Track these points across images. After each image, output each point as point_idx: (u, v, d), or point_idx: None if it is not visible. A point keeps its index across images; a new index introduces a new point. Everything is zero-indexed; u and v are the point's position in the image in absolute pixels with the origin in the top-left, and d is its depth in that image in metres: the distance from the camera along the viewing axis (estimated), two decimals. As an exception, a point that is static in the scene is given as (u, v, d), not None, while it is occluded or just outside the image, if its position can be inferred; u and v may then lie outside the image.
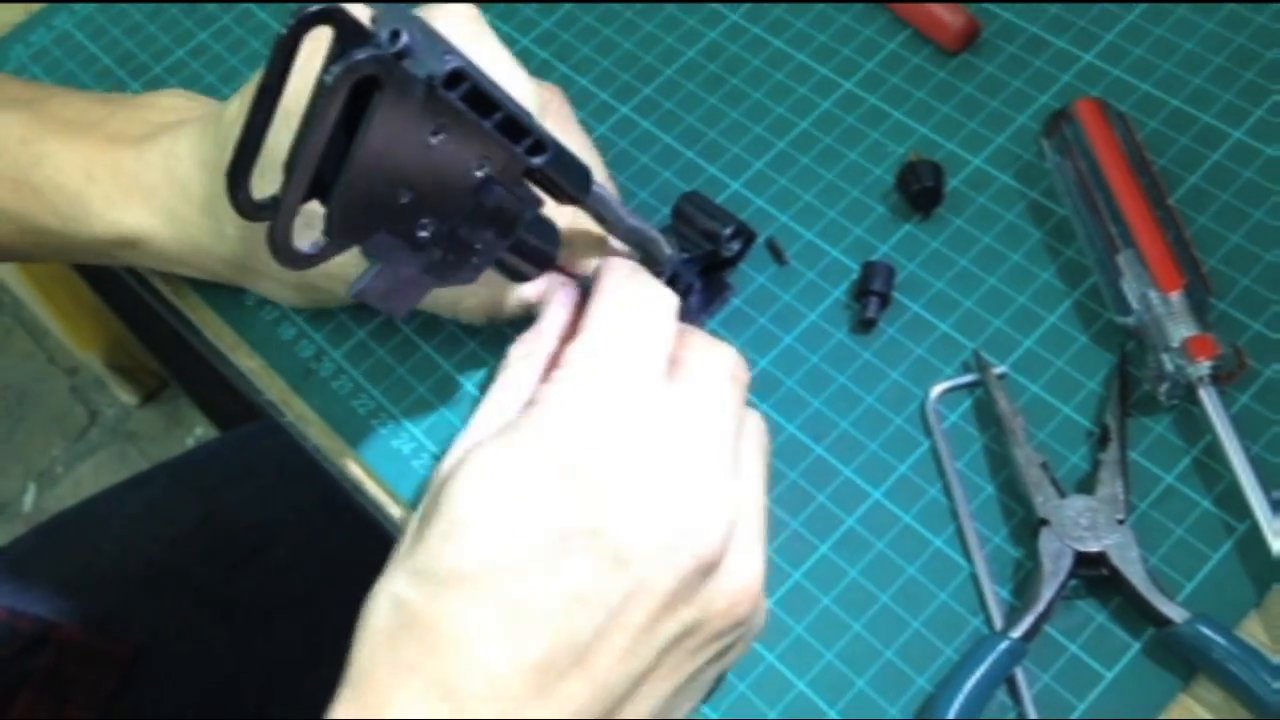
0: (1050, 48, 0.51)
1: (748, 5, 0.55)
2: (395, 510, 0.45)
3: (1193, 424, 0.42)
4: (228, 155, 0.35)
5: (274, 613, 0.64)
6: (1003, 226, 0.47)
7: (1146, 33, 0.50)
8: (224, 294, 0.50)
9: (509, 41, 0.41)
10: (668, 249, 0.44)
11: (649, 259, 0.44)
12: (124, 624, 0.63)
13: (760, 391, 0.45)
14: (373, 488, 0.46)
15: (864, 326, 0.46)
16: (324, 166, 0.33)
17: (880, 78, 0.52)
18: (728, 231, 0.46)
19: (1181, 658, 0.38)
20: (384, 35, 0.32)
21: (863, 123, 0.51)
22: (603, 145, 0.51)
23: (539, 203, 0.38)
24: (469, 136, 0.35)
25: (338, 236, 0.34)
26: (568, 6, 0.57)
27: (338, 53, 0.33)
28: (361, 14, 0.33)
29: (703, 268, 0.47)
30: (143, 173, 0.45)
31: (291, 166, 0.33)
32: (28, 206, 0.46)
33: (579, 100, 0.53)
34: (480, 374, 0.47)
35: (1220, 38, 0.50)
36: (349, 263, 0.36)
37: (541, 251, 0.41)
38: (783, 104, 0.52)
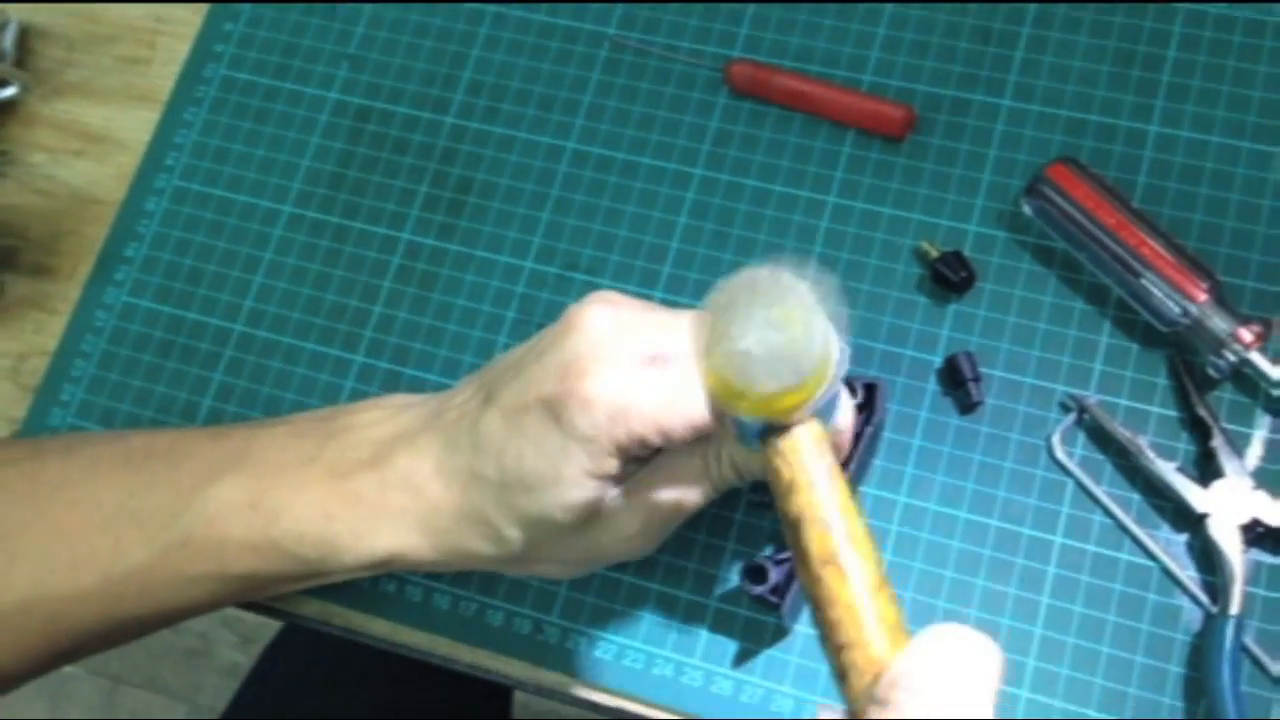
0: (972, 104, 0.60)
1: (704, 153, 0.61)
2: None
3: (1247, 381, 0.53)
4: (482, 459, 0.44)
5: None
6: (1024, 276, 0.57)
7: (1041, 51, 0.60)
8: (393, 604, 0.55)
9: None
10: None
11: None
12: None
13: (919, 495, 0.54)
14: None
15: (971, 409, 0.55)
16: None
17: (855, 182, 0.60)
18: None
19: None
20: None
21: (864, 228, 0.59)
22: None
23: None
24: None
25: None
26: (547, 215, 0.61)
27: None
28: None
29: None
30: (386, 497, 0.47)
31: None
32: (274, 564, 0.49)
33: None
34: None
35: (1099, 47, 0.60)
36: (621, 538, 0.47)
37: None
38: (787, 237, 0.59)
